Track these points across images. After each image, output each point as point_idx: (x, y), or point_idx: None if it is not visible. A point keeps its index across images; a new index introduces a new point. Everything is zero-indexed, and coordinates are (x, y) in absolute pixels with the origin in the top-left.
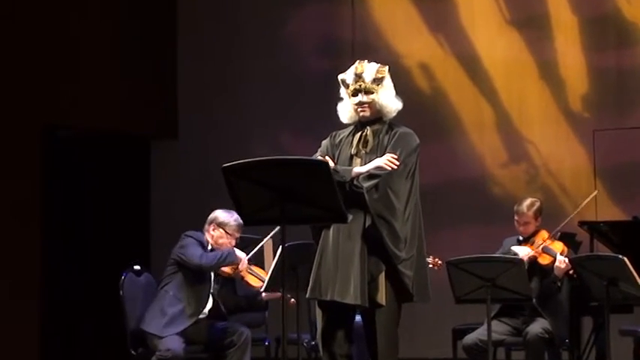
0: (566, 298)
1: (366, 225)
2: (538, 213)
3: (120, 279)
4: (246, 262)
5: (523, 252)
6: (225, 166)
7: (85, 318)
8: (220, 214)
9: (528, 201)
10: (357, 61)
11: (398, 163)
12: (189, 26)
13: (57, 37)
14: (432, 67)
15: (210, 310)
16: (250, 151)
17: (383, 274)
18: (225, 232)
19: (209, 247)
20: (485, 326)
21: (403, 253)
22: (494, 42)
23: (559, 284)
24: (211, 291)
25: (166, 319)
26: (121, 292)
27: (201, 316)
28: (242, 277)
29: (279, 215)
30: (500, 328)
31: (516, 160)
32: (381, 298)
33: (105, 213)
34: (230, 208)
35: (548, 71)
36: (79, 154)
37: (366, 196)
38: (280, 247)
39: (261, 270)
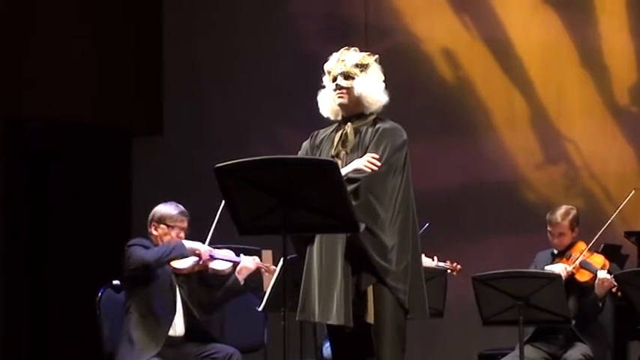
0: (609, 320)
1: (348, 235)
2: (574, 223)
3: (96, 296)
4: (208, 249)
5: (559, 271)
6: (218, 167)
7: (55, 341)
8: (158, 209)
9: (563, 209)
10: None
11: (379, 163)
12: (176, 4)
13: (21, 17)
14: (456, 53)
15: (188, 330)
16: (246, 149)
17: (371, 289)
18: (167, 225)
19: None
20: (516, 352)
21: (393, 266)
22: (529, 24)
23: (601, 304)
24: (179, 302)
25: (137, 345)
26: (98, 312)
27: (175, 334)
28: (207, 269)
29: (281, 223)
30: (533, 355)
31: (553, 161)
32: (370, 316)
33: (79, 219)
34: (224, 215)
35: (591, 58)
36: (50, 151)
37: None
38: (281, 260)
39: (225, 251)
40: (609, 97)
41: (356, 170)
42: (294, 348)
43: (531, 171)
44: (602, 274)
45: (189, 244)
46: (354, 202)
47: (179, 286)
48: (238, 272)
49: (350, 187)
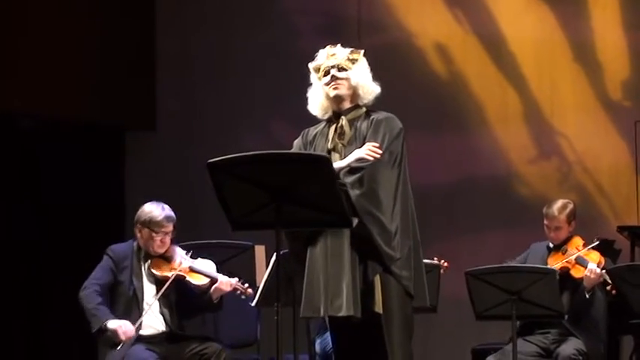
0: (602, 315)
1: (353, 224)
2: (571, 217)
3: None
4: (130, 332)
5: None
6: (210, 162)
7: (50, 340)
8: (144, 211)
9: (560, 203)
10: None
11: (380, 151)
12: (169, 0)
13: (15, 13)
14: (449, 49)
15: (171, 330)
16: (239, 145)
17: (378, 277)
18: (152, 230)
19: (143, 251)
20: (509, 346)
21: (397, 252)
22: (522, 19)
23: (587, 296)
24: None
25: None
26: None
27: (157, 331)
28: (184, 279)
29: (274, 219)
30: (526, 349)
31: (546, 156)
32: (378, 305)
33: (72, 214)
34: (217, 210)
35: (584, 53)
36: (43, 146)
37: (350, 192)
38: (274, 255)
39: (206, 263)
40: (602, 92)
41: (359, 159)
42: (287, 343)
43: (524, 166)
44: (592, 267)
45: (111, 325)
46: (358, 191)
47: (157, 292)
48: (213, 291)
49: (354, 177)
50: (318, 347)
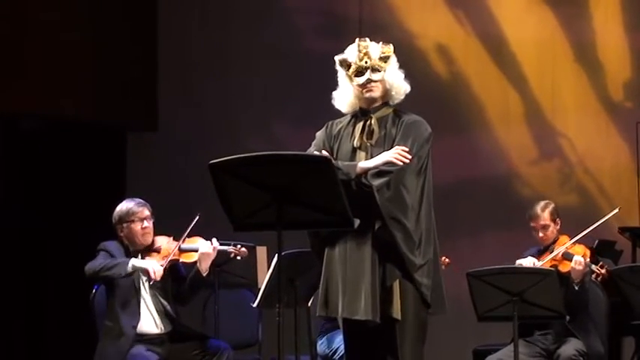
0: (604, 316)
1: (376, 228)
2: (555, 214)
3: (91, 293)
4: (159, 270)
5: (527, 263)
6: (212, 163)
7: (51, 339)
8: (115, 211)
9: (541, 203)
10: (357, 39)
11: (410, 156)
12: (171, 0)
13: (16, 13)
14: (451, 49)
15: (173, 327)
16: (241, 145)
17: (397, 283)
18: (131, 222)
19: (131, 249)
20: (510, 347)
21: (419, 259)
22: (523, 20)
23: (576, 288)
24: (151, 302)
25: (102, 355)
26: (93, 309)
27: (160, 331)
28: (177, 262)
29: (275, 219)
30: (527, 350)
31: (548, 157)
32: (396, 311)
33: (74, 216)
34: (218, 211)
35: (585, 54)
36: (44, 147)
37: (376, 195)
38: (276, 256)
39: (193, 238)
40: (603, 92)
41: (387, 163)
42: (288, 344)
43: (526, 167)
44: (577, 259)
45: (138, 263)
46: (384, 195)
47: (152, 285)
48: (198, 262)
49: (381, 180)
50: (319, 348)
